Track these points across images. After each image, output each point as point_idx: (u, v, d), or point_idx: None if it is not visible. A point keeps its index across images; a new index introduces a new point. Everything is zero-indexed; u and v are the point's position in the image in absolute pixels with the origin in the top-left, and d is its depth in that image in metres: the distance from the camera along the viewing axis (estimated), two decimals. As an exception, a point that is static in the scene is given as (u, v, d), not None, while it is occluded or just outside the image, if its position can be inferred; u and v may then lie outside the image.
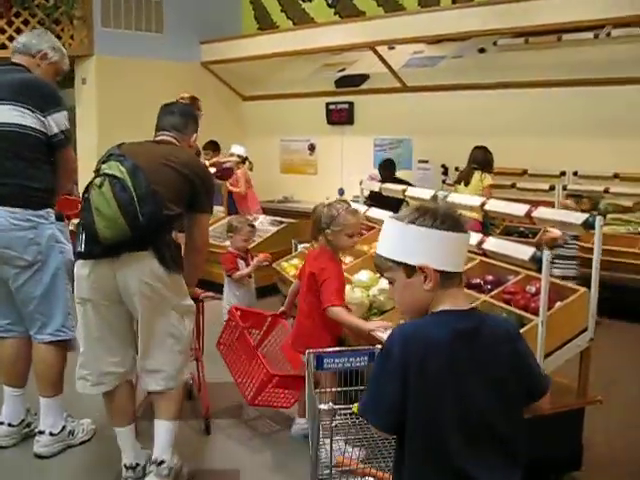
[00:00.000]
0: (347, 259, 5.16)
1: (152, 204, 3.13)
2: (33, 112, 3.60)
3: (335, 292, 3.68)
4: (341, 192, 9.17)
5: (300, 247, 6.62)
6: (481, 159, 7.22)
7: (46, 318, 3.77)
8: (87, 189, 3.17)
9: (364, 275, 4.40)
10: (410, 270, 1.91)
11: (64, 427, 3.87)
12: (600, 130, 7.18)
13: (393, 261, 1.94)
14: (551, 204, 6.87)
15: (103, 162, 3.25)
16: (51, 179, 3.75)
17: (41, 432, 3.80)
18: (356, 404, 2.05)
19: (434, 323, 1.92)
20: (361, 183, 6.21)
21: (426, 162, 8.88)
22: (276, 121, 10.40)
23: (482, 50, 8.42)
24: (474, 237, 3.89)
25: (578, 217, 3.41)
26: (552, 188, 7.38)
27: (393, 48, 8.99)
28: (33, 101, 3.60)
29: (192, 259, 3.56)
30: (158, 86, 8.56)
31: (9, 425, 3.91)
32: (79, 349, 3.46)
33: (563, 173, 7.56)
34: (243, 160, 8.67)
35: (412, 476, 1.91)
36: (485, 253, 3.92)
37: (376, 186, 6.03)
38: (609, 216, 6.85)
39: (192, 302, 3.55)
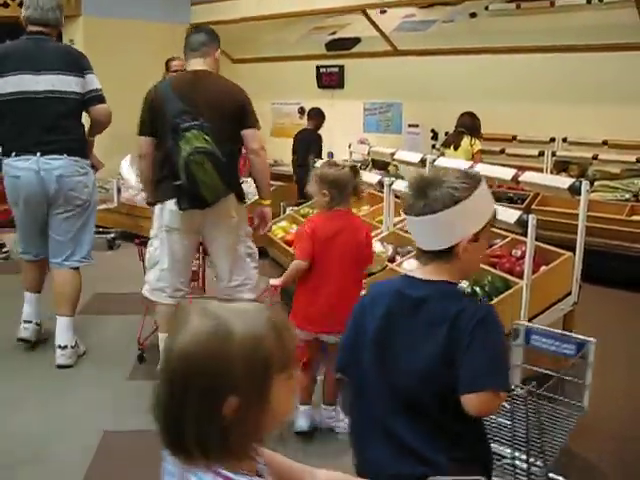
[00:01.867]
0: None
1: (234, 159, 4.06)
2: (76, 77, 4.34)
3: None
4: (330, 156, 9.15)
5: (288, 210, 6.64)
6: (469, 124, 7.20)
7: (76, 247, 4.58)
8: (187, 163, 3.73)
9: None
10: None
11: (76, 341, 4.61)
12: (590, 97, 7.16)
13: None
14: (540, 170, 6.89)
15: (185, 130, 3.76)
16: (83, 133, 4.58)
17: (64, 347, 4.49)
18: None
19: (391, 280, 2.17)
20: (350, 146, 6.21)
21: (416, 126, 8.85)
22: (266, 84, 10.30)
23: (473, 15, 8.36)
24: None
25: (564, 182, 3.44)
26: (541, 154, 7.38)
27: (384, 12, 8.92)
28: (74, 67, 4.35)
29: (259, 168, 4.22)
30: (147, 48, 8.49)
31: (36, 324, 4.73)
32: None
33: (552, 139, 7.55)
34: None
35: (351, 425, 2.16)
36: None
37: (364, 149, 6.02)
38: (597, 183, 6.88)
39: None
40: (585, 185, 3.31)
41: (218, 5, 9.64)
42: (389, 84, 8.92)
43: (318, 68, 9.83)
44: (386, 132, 9.12)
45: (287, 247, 5.84)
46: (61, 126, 4.34)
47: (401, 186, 4.62)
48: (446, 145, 7.35)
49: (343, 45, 9.47)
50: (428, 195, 1.90)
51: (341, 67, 9.61)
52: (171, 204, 4.02)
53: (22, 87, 4.25)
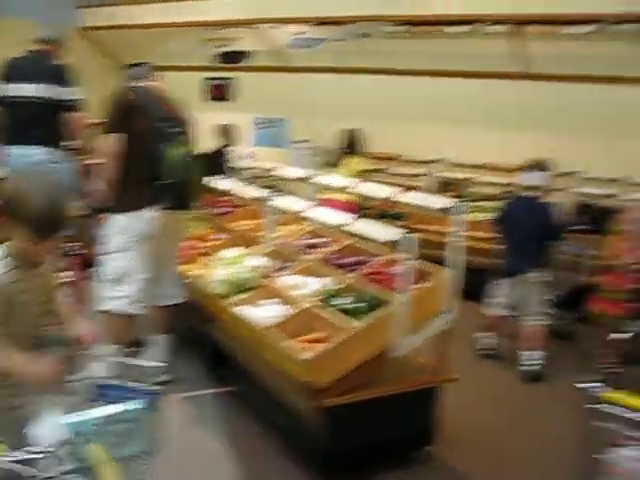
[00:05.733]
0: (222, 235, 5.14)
1: None
2: (52, 86, 5.61)
3: None
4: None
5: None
6: (350, 142, 7.33)
7: None
8: (186, 164, 4.10)
9: (230, 252, 4.39)
10: None
11: None
12: (476, 120, 7.38)
13: None
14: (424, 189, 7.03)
15: (176, 135, 4.09)
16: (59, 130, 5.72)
17: None
18: None
19: None
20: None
21: (303, 142, 8.90)
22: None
23: (366, 35, 8.45)
24: (343, 219, 3.95)
25: (436, 202, 3.52)
26: (424, 174, 7.55)
27: (275, 27, 8.93)
28: (55, 80, 5.63)
29: None
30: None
31: None
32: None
33: (435, 160, 7.76)
34: None
35: None
36: (354, 234, 3.98)
37: (255, 164, 6.04)
38: (474, 203, 7.05)
39: None
40: (458, 206, 3.40)
41: (105, 10, 9.42)
42: (277, 99, 8.93)
43: (207, 80, 9.75)
44: (274, 146, 9.13)
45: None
46: (38, 124, 5.61)
47: (281, 202, 4.58)
48: (329, 165, 7.45)
49: (233, 58, 9.43)
50: None
51: (230, 80, 9.58)
52: (149, 212, 4.08)
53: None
